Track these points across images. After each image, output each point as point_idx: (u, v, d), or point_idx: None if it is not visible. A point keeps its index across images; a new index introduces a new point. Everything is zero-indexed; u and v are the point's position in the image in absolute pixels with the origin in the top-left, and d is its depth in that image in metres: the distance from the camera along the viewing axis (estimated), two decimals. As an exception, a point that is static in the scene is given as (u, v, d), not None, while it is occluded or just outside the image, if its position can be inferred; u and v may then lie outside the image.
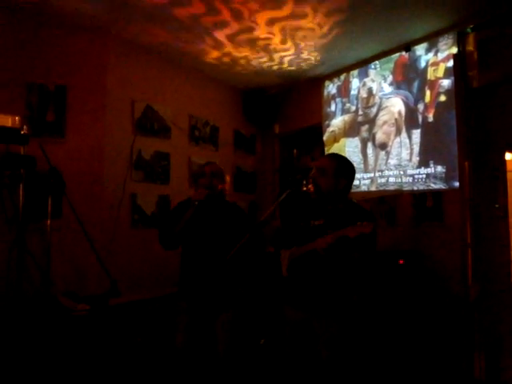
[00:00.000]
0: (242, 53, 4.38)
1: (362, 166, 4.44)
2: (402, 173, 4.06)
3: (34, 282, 3.14)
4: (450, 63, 3.72)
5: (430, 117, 3.89)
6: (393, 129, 4.18)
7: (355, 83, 4.63)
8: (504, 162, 3.99)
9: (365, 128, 4.48)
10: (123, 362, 2.99)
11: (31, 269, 3.16)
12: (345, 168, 2.63)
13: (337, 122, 4.80)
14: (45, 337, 2.72)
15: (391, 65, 4.26)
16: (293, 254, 2.62)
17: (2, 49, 3.52)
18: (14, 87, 3.60)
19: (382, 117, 4.29)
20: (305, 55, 4.45)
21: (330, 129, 4.86)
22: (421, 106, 3.97)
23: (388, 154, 4.22)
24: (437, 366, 3.26)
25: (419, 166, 3.93)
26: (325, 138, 4.88)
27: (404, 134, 4.08)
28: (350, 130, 4.65)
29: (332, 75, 4.90)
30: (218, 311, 2.76)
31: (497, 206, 3.74)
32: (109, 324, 3.06)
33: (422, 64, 3.99)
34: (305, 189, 2.70)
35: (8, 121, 3.13)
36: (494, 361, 3.47)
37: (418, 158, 3.95)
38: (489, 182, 3.72)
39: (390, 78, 4.27)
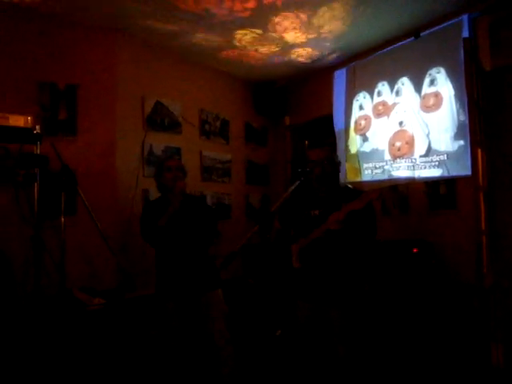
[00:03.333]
0: (253, 46, 4.39)
1: (373, 154, 4.41)
2: (414, 160, 4.01)
3: (50, 278, 3.20)
4: (462, 48, 3.65)
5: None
6: (406, 114, 4.13)
7: (365, 72, 4.58)
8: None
9: (376, 116, 4.44)
10: (136, 356, 3.05)
11: (48, 265, 3.23)
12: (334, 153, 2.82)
13: (348, 112, 4.77)
14: (61, 330, 2.79)
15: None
16: (301, 244, 2.67)
17: (12, 48, 3.56)
18: (26, 87, 3.63)
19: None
20: (314, 45, 4.43)
21: (341, 119, 4.83)
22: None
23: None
24: (453, 355, 3.23)
25: (432, 153, 3.88)
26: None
27: (418, 120, 4.02)
28: (361, 119, 4.61)
29: (342, 64, 4.85)
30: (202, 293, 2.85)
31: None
32: (124, 318, 3.11)
33: (433, 49, 3.92)
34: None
35: (21, 121, 3.17)
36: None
37: (431, 145, 3.90)
38: (504, 168, 3.66)
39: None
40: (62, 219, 3.07)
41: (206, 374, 2.90)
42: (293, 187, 2.67)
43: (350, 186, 2.92)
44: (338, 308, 2.55)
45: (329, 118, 4.94)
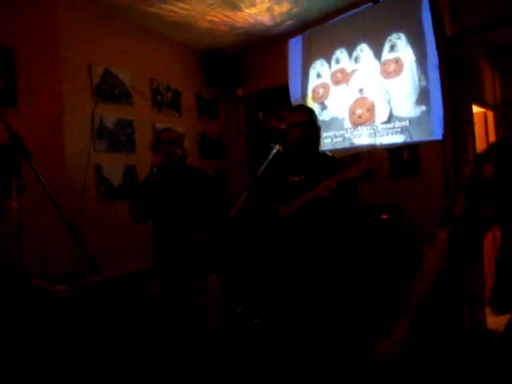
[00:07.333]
0: (202, 10, 4.13)
1: (333, 123, 4.36)
2: (375, 127, 4.01)
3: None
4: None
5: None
6: (366, 81, 4.10)
7: (322, 39, 4.49)
8: (472, 114, 4.06)
9: (335, 84, 4.38)
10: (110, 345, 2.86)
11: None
12: (316, 114, 2.73)
13: (305, 81, 4.67)
14: (24, 322, 2.49)
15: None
16: (281, 212, 2.57)
17: None
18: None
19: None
20: (266, 11, 4.26)
21: (298, 88, 4.73)
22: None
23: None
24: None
25: (394, 120, 3.89)
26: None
27: (378, 86, 4.00)
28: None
29: (296, 32, 4.72)
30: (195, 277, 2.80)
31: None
32: (90, 303, 2.87)
33: (393, 14, 3.89)
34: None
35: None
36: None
37: (393, 111, 3.91)
38: (461, 134, 3.76)
39: (359, 31, 4.15)
40: (15, 198, 2.70)
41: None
42: (275, 150, 2.57)
43: (328, 153, 2.84)
44: (319, 278, 2.50)
45: (284, 88, 4.81)
